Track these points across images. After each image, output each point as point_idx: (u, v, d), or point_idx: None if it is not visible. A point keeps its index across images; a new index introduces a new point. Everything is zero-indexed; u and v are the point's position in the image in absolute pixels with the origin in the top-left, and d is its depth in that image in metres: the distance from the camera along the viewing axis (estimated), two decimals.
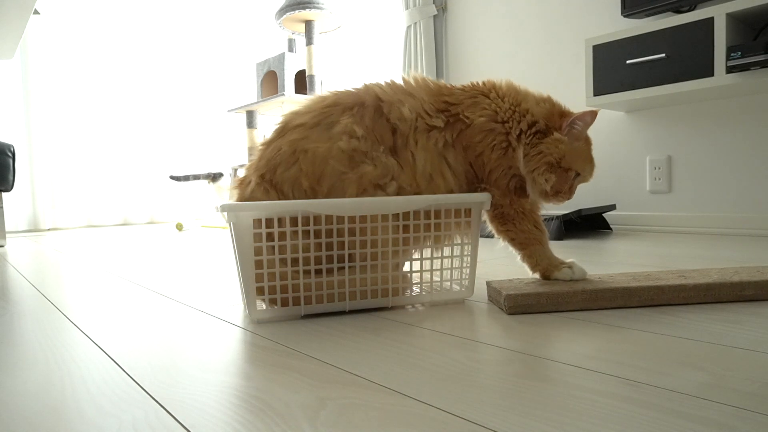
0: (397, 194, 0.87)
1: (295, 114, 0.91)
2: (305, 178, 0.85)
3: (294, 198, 0.85)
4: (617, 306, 0.82)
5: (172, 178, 3.18)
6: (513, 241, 0.93)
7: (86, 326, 0.81)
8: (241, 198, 0.89)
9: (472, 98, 0.91)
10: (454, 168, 0.90)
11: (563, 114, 0.91)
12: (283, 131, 0.90)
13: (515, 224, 0.91)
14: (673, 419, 0.43)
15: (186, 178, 3.18)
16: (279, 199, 0.85)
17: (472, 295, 0.93)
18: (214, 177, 3.22)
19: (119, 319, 0.86)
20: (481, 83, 0.95)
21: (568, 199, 0.92)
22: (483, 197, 0.90)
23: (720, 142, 2.01)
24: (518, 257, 0.93)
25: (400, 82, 0.93)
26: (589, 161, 0.93)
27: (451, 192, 0.89)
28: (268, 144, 0.90)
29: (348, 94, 0.90)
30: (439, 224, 0.90)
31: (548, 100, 0.93)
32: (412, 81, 0.93)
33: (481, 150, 0.89)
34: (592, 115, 0.89)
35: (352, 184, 0.85)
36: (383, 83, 0.92)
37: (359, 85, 0.93)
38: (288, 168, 0.86)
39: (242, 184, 0.90)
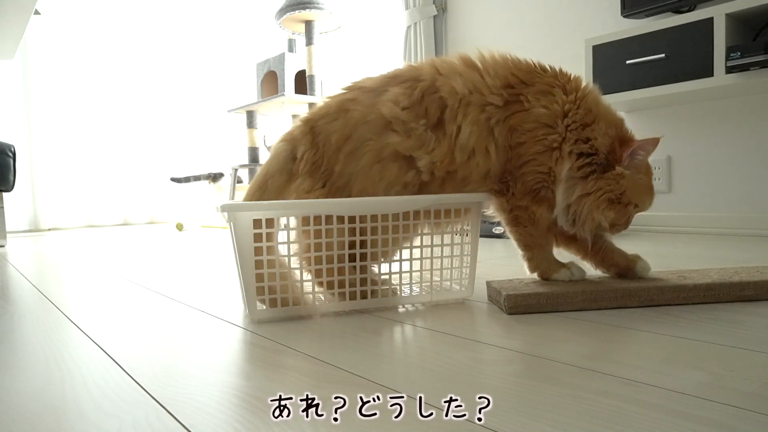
0: (429, 169, 0.86)
1: (365, 78, 0.94)
2: (335, 135, 0.88)
3: (322, 150, 0.88)
4: (617, 306, 0.82)
5: (172, 180, 3.19)
6: (518, 240, 0.92)
7: (86, 326, 0.81)
8: (284, 135, 0.95)
9: (548, 86, 0.87)
10: (499, 147, 0.87)
11: (624, 142, 0.86)
12: (347, 89, 0.94)
13: (525, 227, 0.90)
14: (673, 419, 0.43)
15: (187, 179, 3.19)
16: (313, 143, 0.90)
17: (472, 295, 0.93)
18: (215, 177, 3.22)
19: (119, 319, 0.86)
20: (569, 76, 0.90)
21: (624, 230, 0.89)
22: (481, 197, 0.90)
23: (720, 143, 2.01)
24: (520, 254, 0.93)
25: (474, 56, 0.91)
26: (649, 193, 0.89)
27: (488, 172, 0.87)
28: (330, 98, 0.94)
29: (411, 68, 0.92)
30: (439, 224, 0.90)
31: (617, 126, 0.88)
32: (487, 56, 0.91)
33: (525, 139, 0.86)
34: (654, 143, 0.85)
35: (369, 152, 0.86)
36: (452, 57, 0.91)
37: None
38: (328, 122, 0.90)
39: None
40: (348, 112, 0.89)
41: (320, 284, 0.86)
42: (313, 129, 0.91)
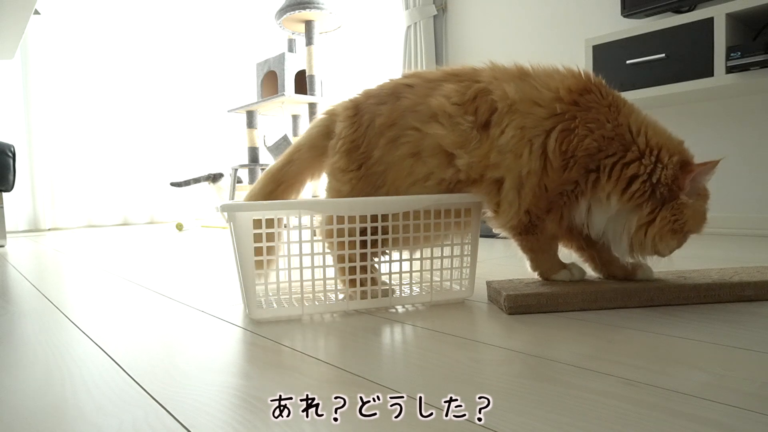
0: (466, 170, 0.86)
1: (428, 70, 0.95)
2: (381, 119, 0.90)
3: (364, 130, 0.90)
4: (617, 306, 0.82)
5: (172, 185, 3.19)
6: (523, 246, 0.91)
7: (86, 326, 0.81)
8: (326, 109, 0.98)
9: (604, 117, 0.82)
10: (534, 154, 0.82)
11: (685, 166, 0.81)
12: (406, 75, 0.95)
13: (534, 235, 0.88)
14: (673, 419, 0.43)
15: (186, 183, 3.20)
16: (353, 122, 0.92)
17: (472, 295, 0.93)
18: (215, 178, 3.23)
19: (119, 319, 0.86)
20: (619, 107, 0.84)
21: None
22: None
23: (720, 142, 2.01)
24: (521, 255, 0.93)
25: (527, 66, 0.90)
26: (704, 219, 0.85)
27: (519, 176, 0.83)
28: (391, 80, 0.95)
29: (473, 70, 0.92)
30: (439, 223, 0.90)
31: (680, 151, 0.82)
32: (538, 67, 0.89)
33: (571, 165, 0.82)
34: (713, 165, 0.80)
35: (408, 144, 0.88)
36: (509, 65, 0.91)
37: (488, 63, 0.93)
38: (377, 104, 0.92)
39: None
40: (399, 99, 0.90)
41: (342, 281, 0.87)
42: (358, 107, 0.93)
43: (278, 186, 0.98)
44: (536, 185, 0.83)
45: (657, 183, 0.80)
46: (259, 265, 0.81)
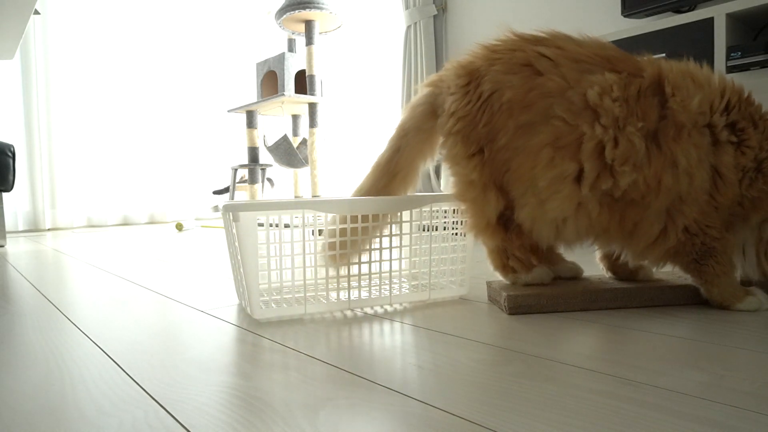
0: (630, 188, 0.74)
1: (564, 37, 0.79)
2: (510, 92, 0.75)
3: (485, 104, 0.76)
4: (617, 306, 0.82)
5: (215, 192, 3.37)
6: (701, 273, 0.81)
7: (86, 326, 0.81)
8: (431, 78, 0.86)
9: (761, 124, 0.78)
10: (705, 169, 0.75)
11: None
12: (538, 41, 0.78)
13: (714, 258, 0.81)
14: (673, 419, 0.43)
15: (226, 190, 3.33)
16: (467, 92, 0.78)
17: (467, 293, 0.93)
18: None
19: (119, 319, 0.86)
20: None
21: None
22: None
23: None
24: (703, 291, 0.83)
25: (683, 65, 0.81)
26: None
27: (678, 195, 0.75)
28: (512, 37, 0.80)
29: (627, 56, 0.79)
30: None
31: None
32: (703, 71, 0.80)
33: (741, 178, 0.77)
34: None
35: (550, 132, 0.73)
36: (674, 63, 0.81)
37: (643, 57, 0.82)
38: (504, 72, 0.76)
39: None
40: (538, 75, 0.75)
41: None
42: (473, 74, 0.78)
43: (393, 178, 0.88)
44: (706, 203, 0.76)
45: None
46: (337, 259, 0.82)
